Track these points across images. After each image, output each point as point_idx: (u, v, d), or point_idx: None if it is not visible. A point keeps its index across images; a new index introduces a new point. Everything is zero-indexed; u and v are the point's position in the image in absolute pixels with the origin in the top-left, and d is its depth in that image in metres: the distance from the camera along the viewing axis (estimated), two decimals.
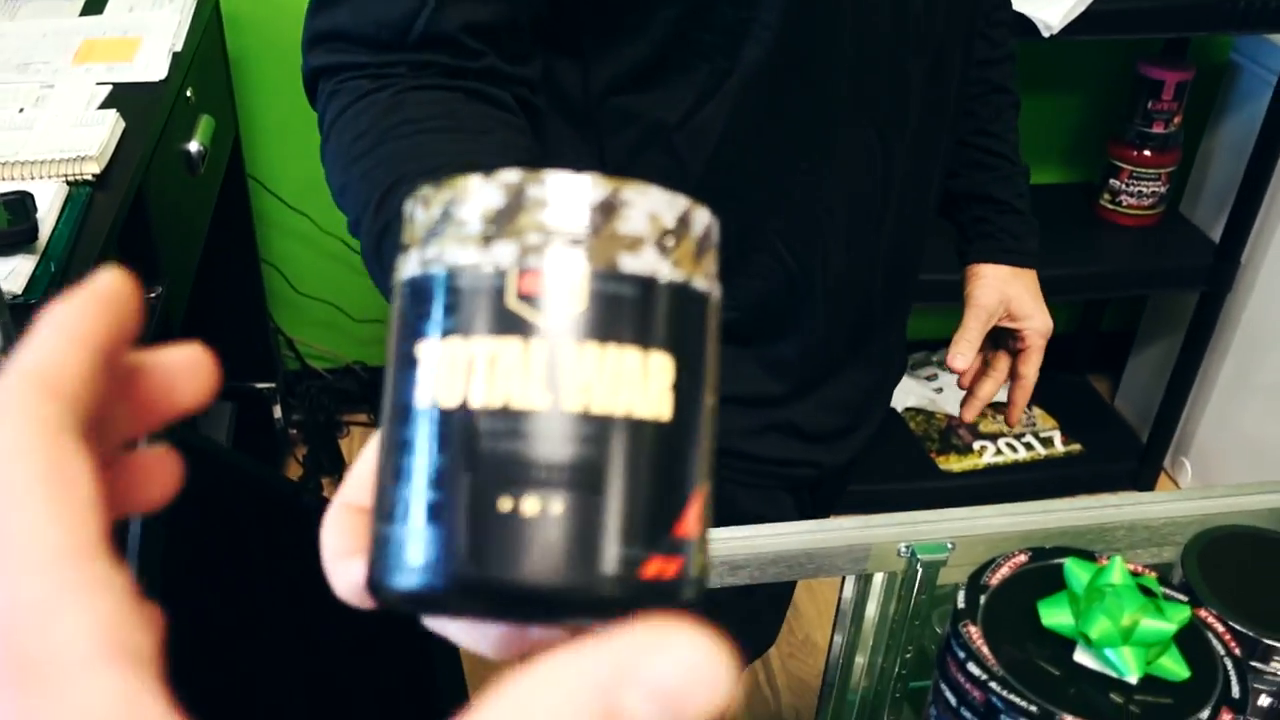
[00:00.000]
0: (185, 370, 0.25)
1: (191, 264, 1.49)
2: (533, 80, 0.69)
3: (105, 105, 1.29)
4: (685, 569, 0.25)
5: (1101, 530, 0.81)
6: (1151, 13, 1.71)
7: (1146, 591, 0.54)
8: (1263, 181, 1.85)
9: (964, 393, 1.06)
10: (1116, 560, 0.54)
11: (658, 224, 0.26)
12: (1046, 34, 1.60)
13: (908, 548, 0.77)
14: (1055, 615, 0.53)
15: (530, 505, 0.23)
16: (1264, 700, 0.61)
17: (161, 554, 0.83)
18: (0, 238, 1.02)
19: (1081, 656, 0.53)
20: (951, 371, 1.00)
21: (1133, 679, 0.51)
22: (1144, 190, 1.96)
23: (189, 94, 1.46)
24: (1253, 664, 0.59)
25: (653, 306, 0.25)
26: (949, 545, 0.77)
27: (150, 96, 1.34)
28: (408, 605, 0.25)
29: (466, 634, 0.27)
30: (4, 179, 1.15)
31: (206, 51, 1.59)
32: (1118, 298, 2.31)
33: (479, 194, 0.26)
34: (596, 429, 0.24)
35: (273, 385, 1.97)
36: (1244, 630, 0.59)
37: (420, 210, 0.27)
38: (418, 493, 0.24)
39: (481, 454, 0.24)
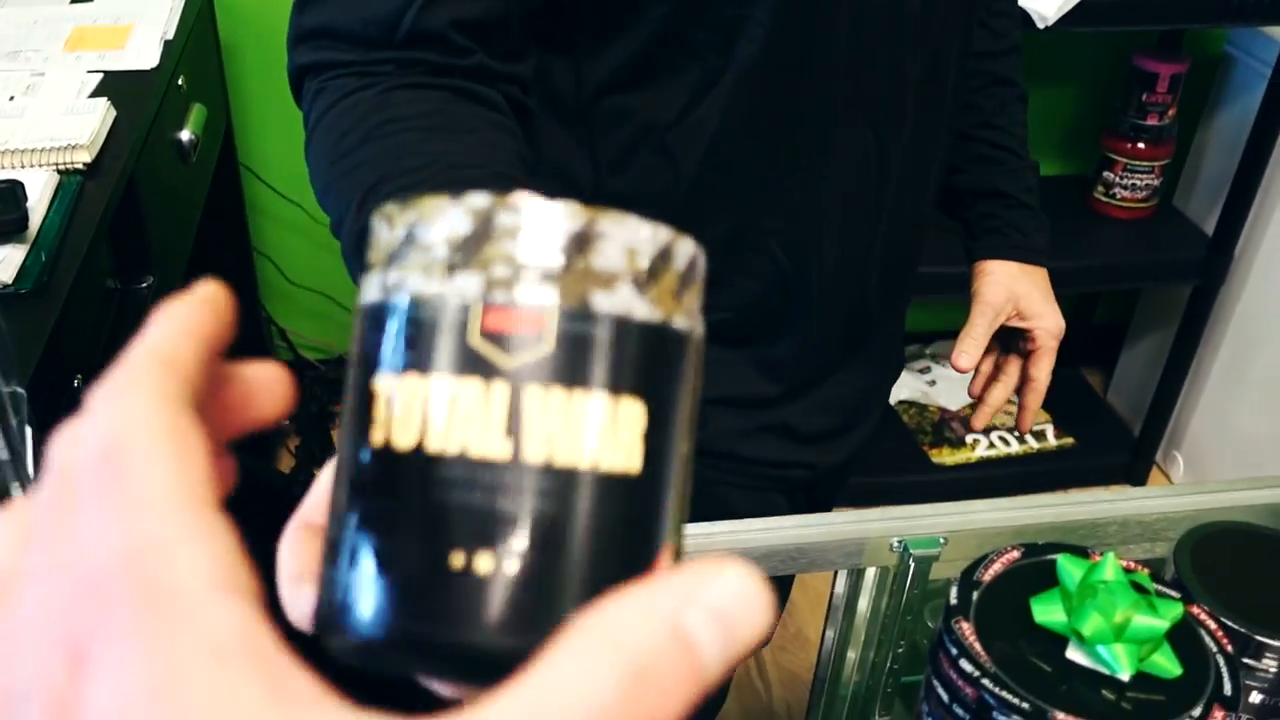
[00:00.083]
0: (266, 385, 0.26)
1: (183, 254, 1.48)
2: (525, 79, 0.68)
3: (96, 93, 1.28)
4: None
5: (1094, 525, 0.81)
6: (1146, 5, 1.70)
7: (1139, 588, 0.54)
8: (1256, 174, 1.86)
9: (968, 396, 1.05)
10: (1109, 557, 0.54)
11: (635, 259, 0.24)
12: (1041, 25, 1.60)
13: (900, 542, 0.77)
14: (1047, 612, 0.53)
15: (484, 563, 0.22)
16: (1255, 697, 0.61)
17: None
18: None
19: (1074, 653, 0.53)
20: (956, 370, 0.96)
21: (1125, 676, 0.51)
22: (1137, 183, 1.96)
23: (181, 82, 1.45)
24: (1244, 660, 0.59)
25: (625, 349, 0.23)
26: (941, 540, 0.77)
27: (142, 85, 1.33)
28: (350, 657, 0.23)
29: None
30: None
31: (198, 39, 1.58)
32: (1111, 291, 2.31)
33: (445, 217, 0.24)
34: (559, 483, 0.23)
35: None
36: (1236, 627, 0.59)
37: (384, 229, 0.25)
38: (366, 538, 0.23)
39: (434, 504, 0.22)
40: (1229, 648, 0.54)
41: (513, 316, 0.23)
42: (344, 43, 0.63)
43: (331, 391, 2.14)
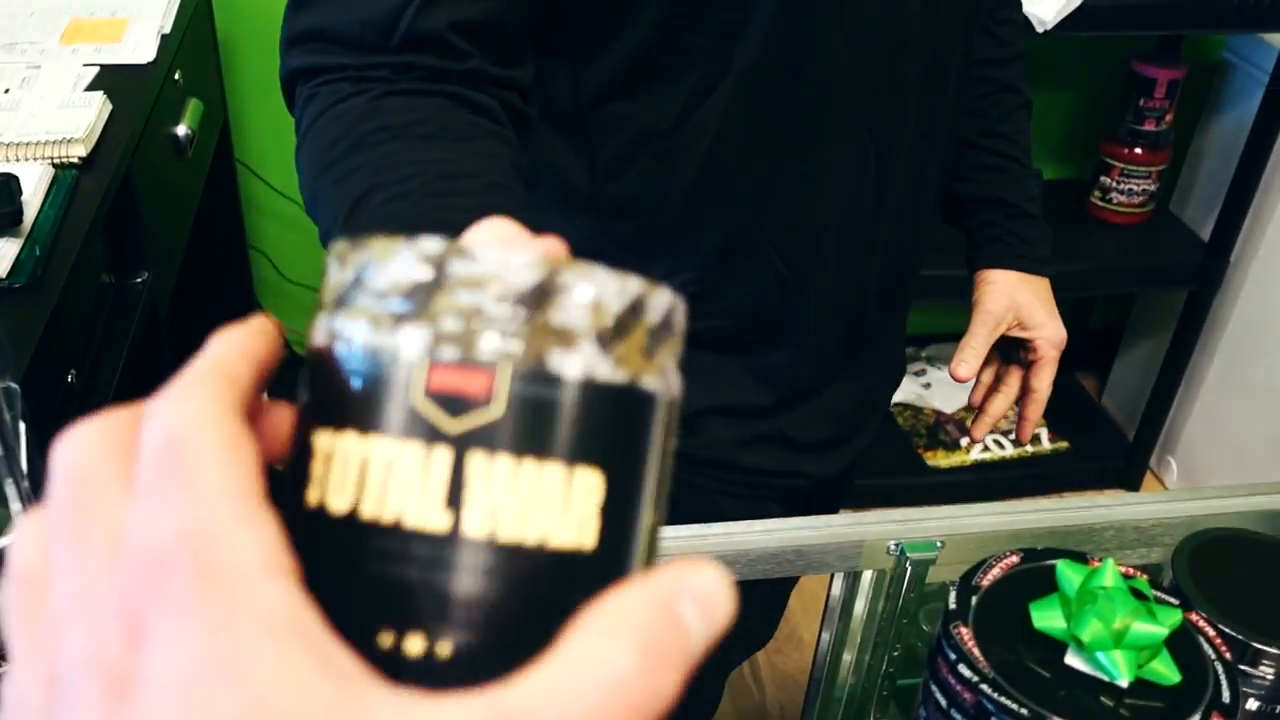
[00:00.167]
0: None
1: (179, 249, 1.48)
2: (523, 84, 0.66)
3: (92, 87, 1.28)
4: None
5: (1090, 530, 0.81)
6: (1145, 10, 1.70)
7: (1138, 595, 0.54)
8: (1253, 181, 1.86)
9: (969, 406, 1.04)
10: (1109, 563, 0.54)
11: (601, 314, 0.22)
12: (1040, 30, 1.59)
13: (897, 545, 0.77)
14: (1047, 618, 0.53)
15: (414, 645, 0.20)
16: (1252, 704, 0.60)
17: None
18: None
19: (1073, 659, 0.53)
20: (955, 379, 0.95)
21: (1124, 682, 0.51)
22: (1134, 188, 1.97)
23: (177, 77, 1.44)
24: (1241, 668, 0.59)
25: (585, 414, 0.22)
26: (938, 544, 0.77)
27: (138, 78, 1.33)
28: None
29: None
30: None
31: (196, 34, 1.57)
32: (1106, 295, 2.31)
33: (396, 261, 0.22)
34: (501, 560, 0.21)
35: None
36: (1233, 633, 0.58)
37: (335, 268, 0.23)
38: None
39: (364, 576, 0.21)
40: (1228, 655, 0.54)
41: (461, 376, 0.21)
42: (338, 45, 0.61)
43: None
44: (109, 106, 1.24)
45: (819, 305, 0.83)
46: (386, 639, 0.20)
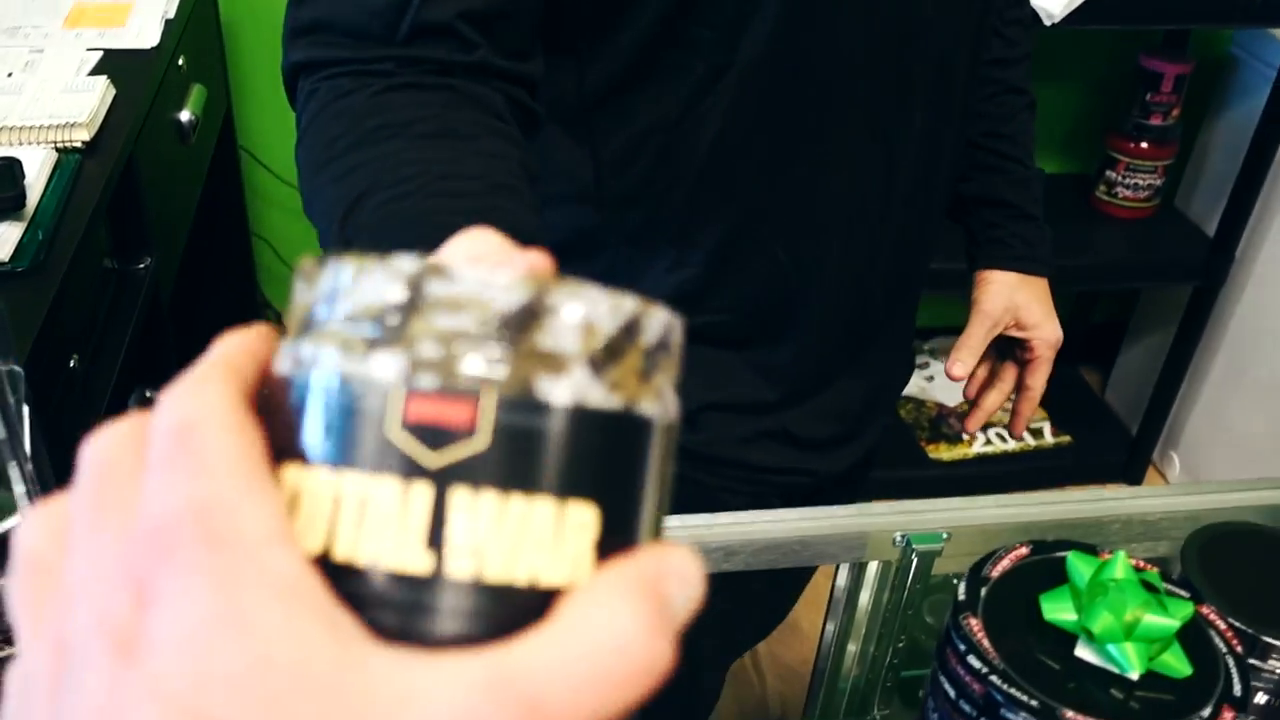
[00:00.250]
0: None
1: (182, 235, 1.47)
2: (531, 79, 0.64)
3: (96, 71, 1.27)
4: None
5: (1097, 523, 0.81)
6: (1152, 4, 1.70)
7: (1149, 587, 0.53)
8: (1259, 176, 1.85)
9: (964, 398, 1.05)
10: (1120, 555, 0.54)
11: (593, 336, 0.21)
12: (1048, 23, 1.59)
13: (903, 537, 0.77)
14: (1057, 609, 0.53)
15: None
16: (1261, 698, 0.60)
17: None
18: None
19: (1083, 651, 0.52)
20: (949, 378, 0.97)
21: (1134, 675, 0.51)
22: (1140, 182, 1.96)
23: (181, 62, 1.44)
24: (1250, 661, 0.58)
25: (576, 444, 0.20)
26: (944, 535, 0.77)
27: (141, 63, 1.32)
28: None
29: None
30: None
31: (199, 19, 1.57)
32: (1111, 290, 2.31)
33: (367, 282, 0.20)
34: (488, 603, 0.20)
35: None
36: (1242, 627, 0.58)
37: (303, 288, 0.22)
38: None
39: None
40: (1238, 648, 0.54)
41: (440, 406, 0.20)
42: (343, 37, 0.59)
43: None
44: (113, 91, 1.23)
45: (823, 301, 0.83)
46: None
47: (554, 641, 0.20)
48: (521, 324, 0.20)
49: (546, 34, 0.67)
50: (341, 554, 0.20)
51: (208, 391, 0.21)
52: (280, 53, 0.63)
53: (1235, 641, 0.54)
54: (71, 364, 1.05)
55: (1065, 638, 0.53)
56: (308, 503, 0.20)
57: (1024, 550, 0.58)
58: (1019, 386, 1.00)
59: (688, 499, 0.67)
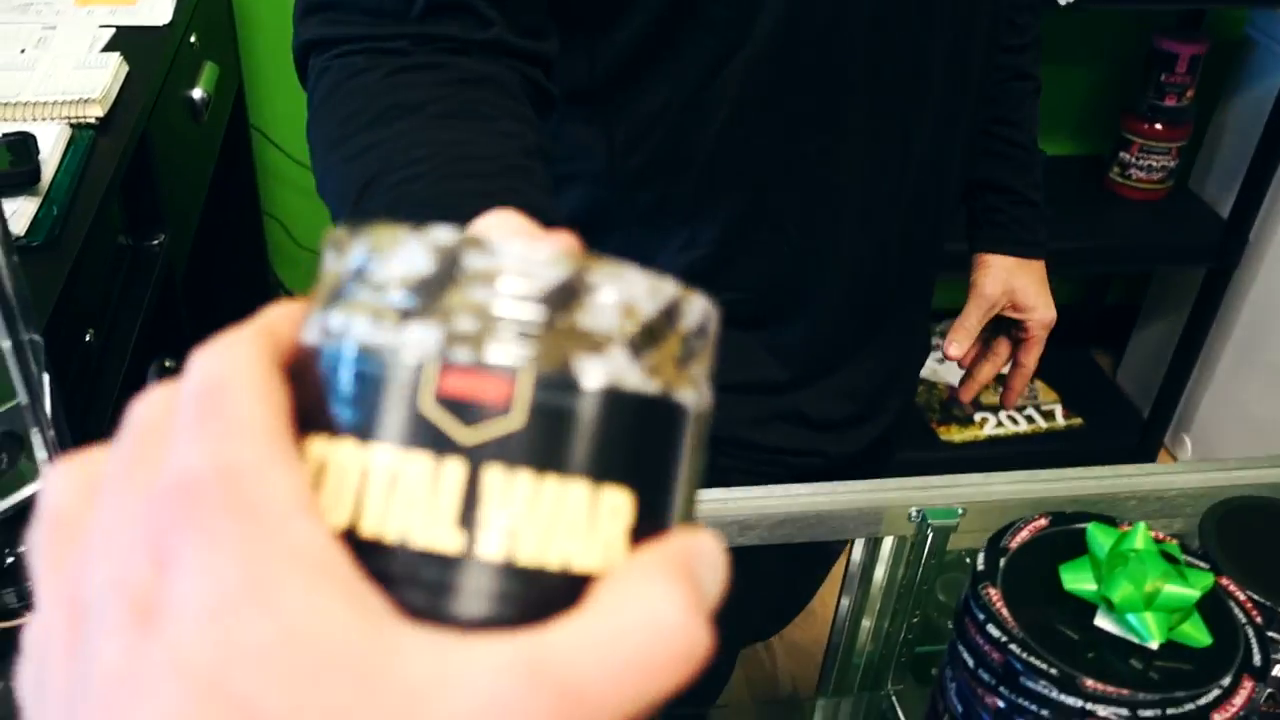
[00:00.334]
0: None
1: (194, 213, 1.47)
2: (547, 58, 0.63)
3: (108, 48, 1.27)
4: None
5: (1113, 500, 0.81)
6: None
7: (1169, 558, 0.53)
8: (1273, 158, 1.84)
9: (958, 368, 1.07)
10: (1140, 526, 0.54)
11: (633, 317, 0.20)
12: (1063, 3, 1.58)
13: (918, 512, 0.77)
14: (1077, 579, 0.53)
15: None
16: (1278, 670, 0.60)
17: None
18: (1, 179, 1.00)
19: (1102, 621, 0.52)
20: (945, 357, 1.01)
21: (1154, 644, 0.51)
22: (1153, 164, 1.95)
23: (193, 40, 1.43)
24: (1269, 634, 0.58)
25: (613, 427, 0.20)
26: (960, 511, 0.77)
27: (154, 41, 1.32)
28: None
29: None
30: (5, 120, 1.13)
31: None
32: (1123, 273, 2.30)
33: (403, 252, 0.20)
34: (520, 585, 0.19)
35: None
36: (1260, 599, 0.58)
37: (333, 257, 0.21)
38: None
39: None
40: (1258, 619, 0.54)
41: (476, 380, 0.19)
42: (356, 14, 0.58)
43: None
44: (126, 67, 1.23)
45: (835, 281, 0.82)
46: None
47: (591, 625, 0.19)
48: (561, 301, 0.20)
49: (560, 13, 0.66)
50: (369, 530, 0.19)
51: (238, 353, 0.21)
52: (291, 31, 0.62)
53: (1256, 613, 0.54)
54: (87, 338, 1.06)
55: (1084, 608, 0.53)
56: (334, 475, 0.20)
57: (1043, 522, 0.58)
58: (1013, 362, 1.04)
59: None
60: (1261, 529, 0.65)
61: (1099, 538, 0.54)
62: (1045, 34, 1.04)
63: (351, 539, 0.19)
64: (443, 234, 0.20)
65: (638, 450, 0.20)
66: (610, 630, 0.19)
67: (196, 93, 1.42)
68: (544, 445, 0.19)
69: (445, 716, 0.17)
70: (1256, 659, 0.51)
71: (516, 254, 0.20)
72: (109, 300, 1.15)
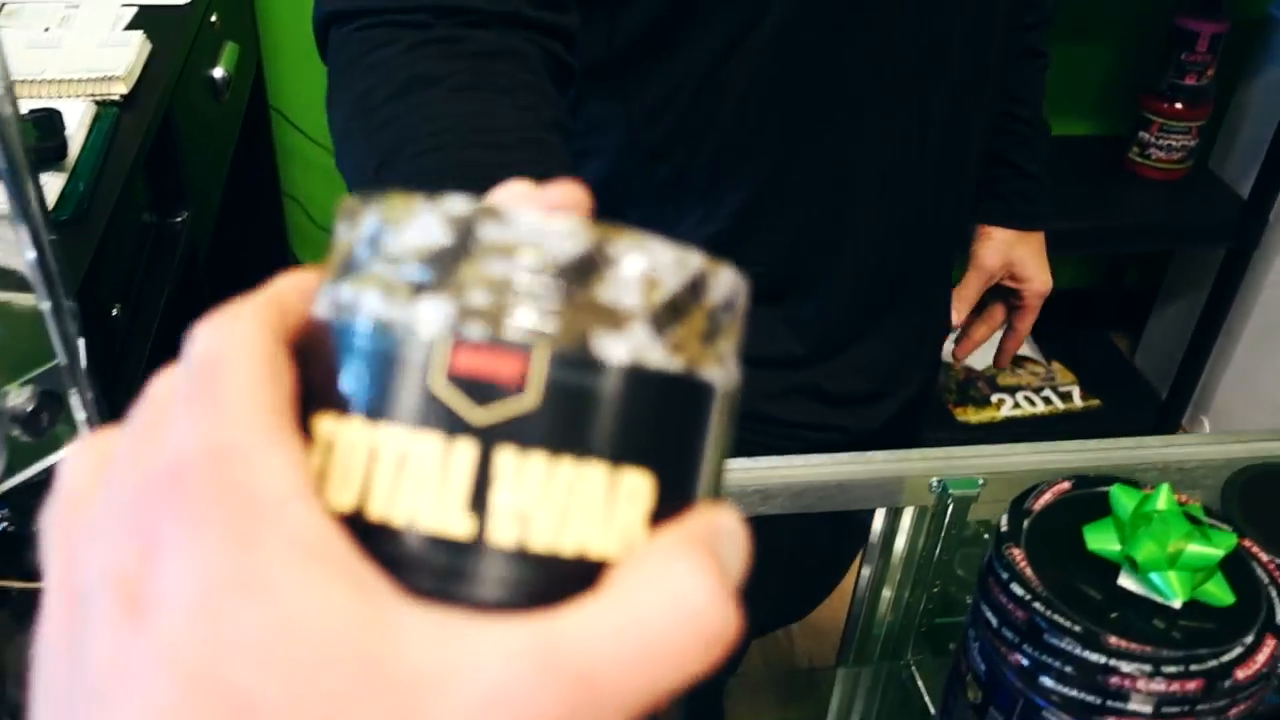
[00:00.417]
0: None
1: (216, 192, 1.48)
2: (567, 31, 0.63)
3: (130, 27, 1.28)
4: None
5: (1133, 470, 0.81)
6: None
7: (1192, 520, 0.54)
8: None
9: (954, 327, 1.09)
10: (1163, 488, 0.54)
11: (655, 291, 0.19)
12: None
13: (939, 482, 0.77)
14: (1100, 540, 0.53)
15: None
16: None
17: None
18: (30, 154, 1.01)
19: (1126, 581, 0.53)
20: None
21: (1177, 603, 0.51)
22: (1173, 144, 1.94)
23: (214, 19, 1.44)
24: None
25: (632, 407, 0.19)
26: (980, 481, 0.77)
27: (175, 19, 1.33)
28: None
29: None
30: (31, 97, 1.14)
31: None
32: (1142, 253, 2.29)
33: (416, 223, 0.19)
34: (532, 572, 0.18)
35: None
36: None
37: (345, 227, 0.21)
38: None
39: None
40: None
41: (489, 358, 0.18)
42: None
43: None
44: (149, 46, 1.24)
45: (853, 255, 0.83)
46: None
47: (608, 610, 0.18)
48: (580, 274, 0.19)
49: None
50: (376, 512, 0.18)
51: (240, 326, 0.20)
52: (310, 11, 0.63)
53: (1278, 573, 0.54)
54: (114, 312, 1.07)
55: (1107, 568, 0.53)
56: (342, 456, 0.19)
57: (1066, 485, 0.58)
58: (1008, 326, 1.08)
59: None
60: None
61: (1122, 499, 0.54)
62: (1066, 13, 1.05)
63: (358, 521, 0.18)
64: (457, 204, 0.19)
65: (659, 431, 0.19)
66: (628, 615, 0.18)
67: (217, 72, 1.43)
68: (559, 426, 0.18)
69: (450, 706, 0.17)
70: (1279, 618, 0.52)
71: (533, 225, 0.19)
72: (134, 276, 1.17)
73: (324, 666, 0.17)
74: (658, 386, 0.19)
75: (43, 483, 0.59)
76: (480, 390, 0.18)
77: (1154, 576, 0.51)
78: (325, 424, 0.19)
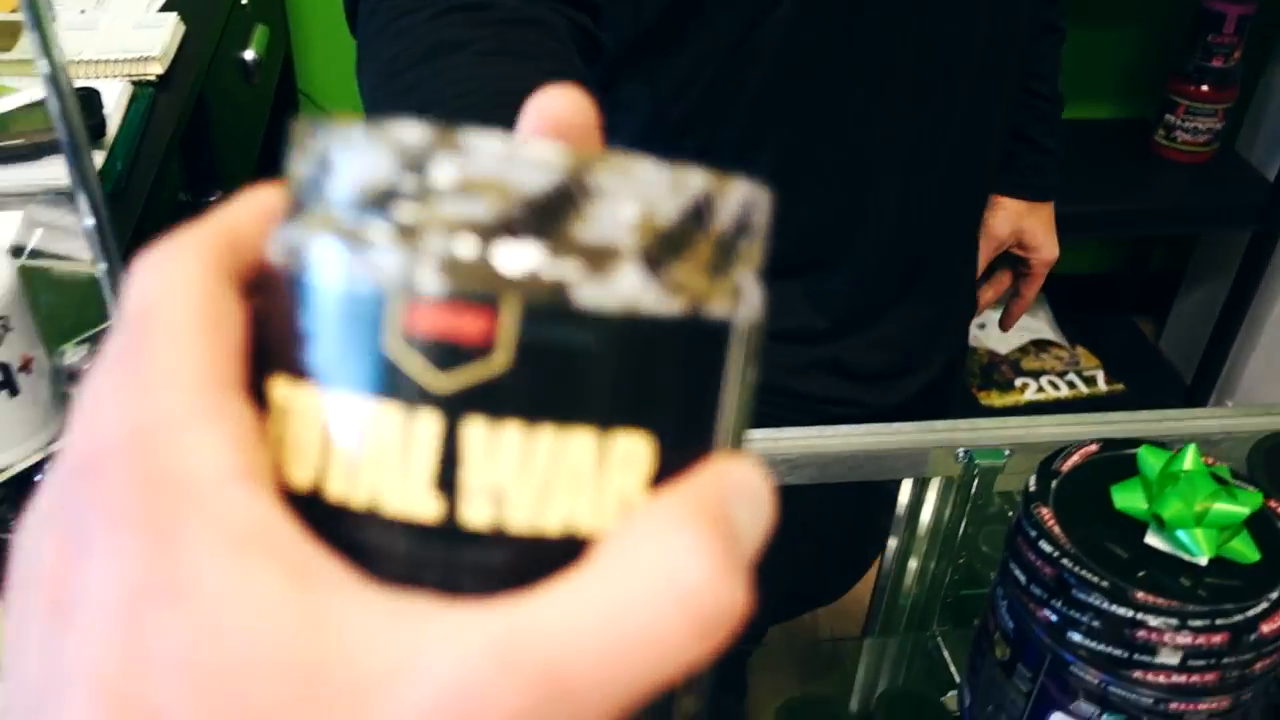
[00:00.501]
0: None
1: (248, 173, 1.50)
2: (594, 3, 0.63)
3: (165, 9, 1.30)
4: None
5: (1159, 442, 0.81)
6: None
7: (1218, 480, 0.55)
8: None
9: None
10: (1190, 448, 0.55)
11: (649, 224, 0.16)
12: None
13: (965, 453, 0.78)
14: (1128, 499, 0.54)
15: None
16: None
17: None
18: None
19: (1153, 539, 0.54)
20: None
21: (1203, 560, 0.52)
22: (1199, 126, 1.93)
23: (244, 1, 1.46)
24: None
25: (624, 362, 0.16)
26: (1006, 452, 0.78)
27: (207, 1, 1.35)
28: None
29: None
30: (71, 77, 1.16)
31: None
32: (1167, 237, 2.28)
33: (364, 157, 0.16)
34: (514, 557, 0.16)
35: None
36: None
37: (297, 161, 0.18)
38: None
39: None
40: None
41: (449, 315, 0.16)
42: None
43: None
44: (183, 27, 1.26)
45: (875, 230, 0.83)
46: None
47: (583, 591, 0.16)
48: (555, 211, 0.16)
49: None
50: (335, 492, 0.16)
51: (176, 268, 0.17)
52: None
53: None
54: None
55: (1135, 527, 0.54)
56: (296, 427, 0.16)
57: (1093, 447, 0.59)
58: (1014, 292, 1.12)
59: None
60: None
61: (1150, 459, 0.55)
62: None
63: (316, 502, 0.16)
64: (411, 133, 0.16)
65: (657, 386, 0.17)
66: (606, 597, 0.16)
67: (249, 54, 1.45)
68: (535, 390, 0.16)
69: (397, 709, 0.15)
70: None
71: (499, 155, 0.16)
72: None
73: (252, 678, 0.15)
74: (654, 335, 0.16)
75: None
76: (442, 353, 0.16)
77: (1180, 534, 0.52)
78: (280, 388, 0.17)
